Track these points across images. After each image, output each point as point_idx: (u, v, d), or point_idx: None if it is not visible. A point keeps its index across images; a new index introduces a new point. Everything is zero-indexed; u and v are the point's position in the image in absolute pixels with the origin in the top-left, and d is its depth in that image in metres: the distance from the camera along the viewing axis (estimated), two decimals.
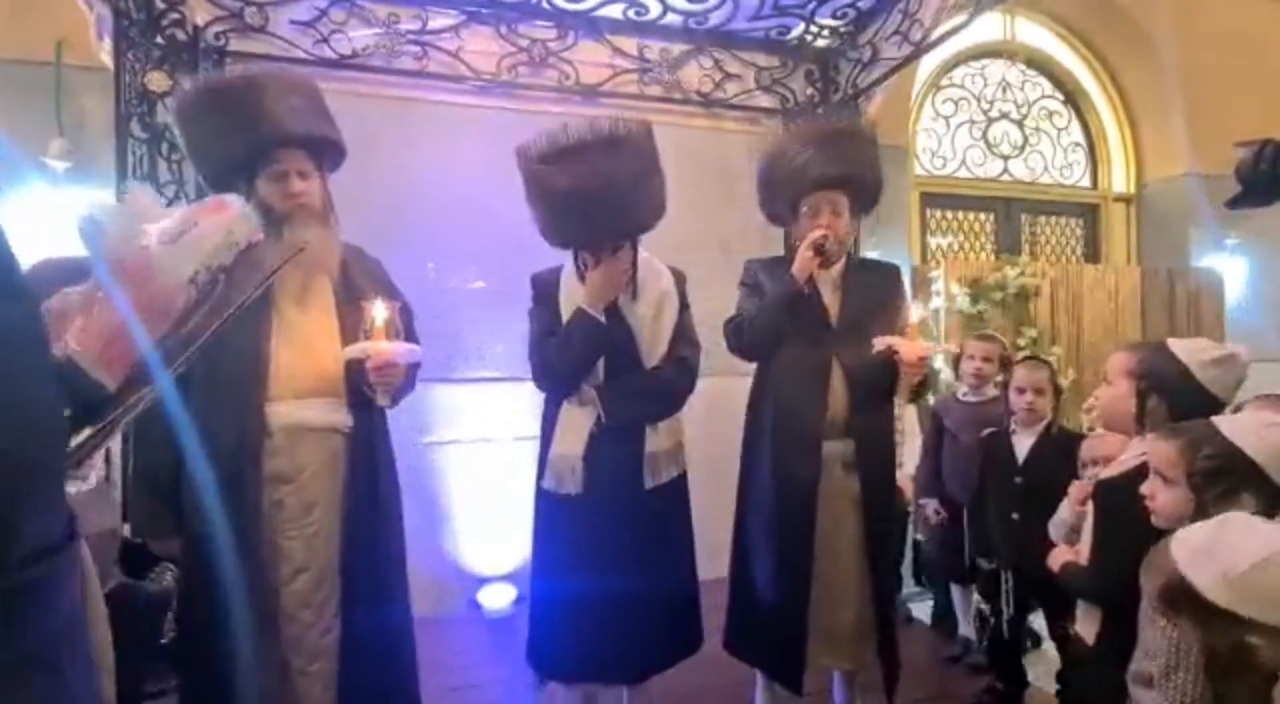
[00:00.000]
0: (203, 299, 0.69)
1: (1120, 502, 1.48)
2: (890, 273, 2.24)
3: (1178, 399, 1.54)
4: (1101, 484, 1.64)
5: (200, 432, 1.65)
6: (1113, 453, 1.75)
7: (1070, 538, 1.78)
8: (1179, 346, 1.59)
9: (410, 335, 1.85)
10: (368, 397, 1.76)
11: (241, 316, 1.63)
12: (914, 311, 1.99)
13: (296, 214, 1.73)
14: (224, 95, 1.72)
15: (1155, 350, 1.62)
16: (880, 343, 1.94)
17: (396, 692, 1.84)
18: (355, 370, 1.73)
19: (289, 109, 1.72)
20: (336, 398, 1.76)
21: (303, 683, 1.69)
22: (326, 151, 1.84)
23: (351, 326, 1.75)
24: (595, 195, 1.77)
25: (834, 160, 2.03)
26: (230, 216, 0.73)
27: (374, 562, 1.79)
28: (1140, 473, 1.46)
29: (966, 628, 2.93)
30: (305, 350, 1.74)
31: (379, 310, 1.69)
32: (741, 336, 2.11)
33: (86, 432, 0.62)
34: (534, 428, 2.08)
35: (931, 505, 2.89)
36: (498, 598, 3.44)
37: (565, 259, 2.04)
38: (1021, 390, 2.50)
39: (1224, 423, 1.30)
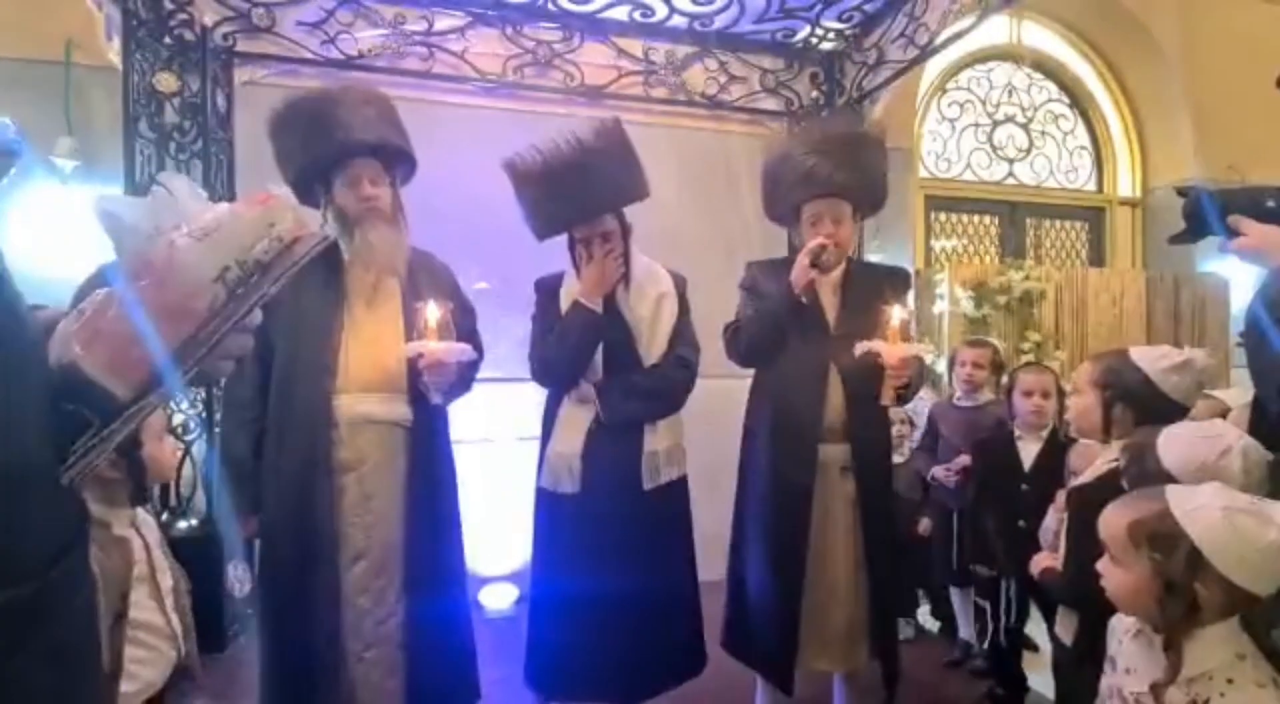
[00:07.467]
0: (232, 298, 0.65)
1: (1091, 508, 1.49)
2: (898, 276, 2.25)
3: (1141, 406, 1.61)
4: (1073, 491, 1.68)
5: (276, 420, 1.80)
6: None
7: (1057, 545, 1.79)
8: (1140, 355, 1.65)
9: (473, 336, 1.97)
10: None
11: (316, 316, 1.80)
12: (895, 314, 1.95)
13: (367, 217, 1.86)
14: (305, 108, 1.86)
15: (1118, 359, 1.68)
16: (861, 347, 1.93)
17: (458, 679, 1.91)
18: (415, 367, 1.82)
19: (363, 119, 1.85)
20: (399, 393, 1.86)
21: (359, 668, 1.77)
22: (398, 160, 1.97)
23: (417, 325, 1.85)
24: (569, 170, 1.88)
25: (839, 167, 2.02)
26: (271, 207, 0.67)
27: (434, 552, 1.88)
28: (1110, 479, 1.50)
29: (966, 632, 2.93)
30: (371, 347, 1.85)
31: (432, 311, 1.77)
32: (737, 344, 2.10)
33: (85, 439, 0.60)
34: (537, 428, 2.09)
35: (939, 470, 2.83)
36: (500, 598, 3.46)
37: (567, 264, 2.06)
38: (1029, 394, 2.47)
39: (1174, 496, 1.16)
